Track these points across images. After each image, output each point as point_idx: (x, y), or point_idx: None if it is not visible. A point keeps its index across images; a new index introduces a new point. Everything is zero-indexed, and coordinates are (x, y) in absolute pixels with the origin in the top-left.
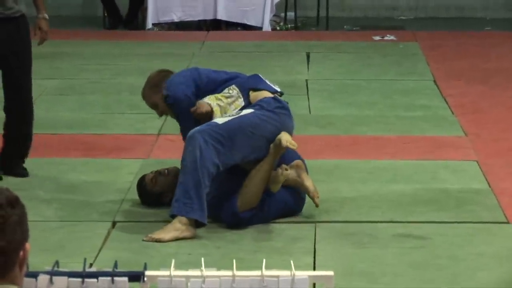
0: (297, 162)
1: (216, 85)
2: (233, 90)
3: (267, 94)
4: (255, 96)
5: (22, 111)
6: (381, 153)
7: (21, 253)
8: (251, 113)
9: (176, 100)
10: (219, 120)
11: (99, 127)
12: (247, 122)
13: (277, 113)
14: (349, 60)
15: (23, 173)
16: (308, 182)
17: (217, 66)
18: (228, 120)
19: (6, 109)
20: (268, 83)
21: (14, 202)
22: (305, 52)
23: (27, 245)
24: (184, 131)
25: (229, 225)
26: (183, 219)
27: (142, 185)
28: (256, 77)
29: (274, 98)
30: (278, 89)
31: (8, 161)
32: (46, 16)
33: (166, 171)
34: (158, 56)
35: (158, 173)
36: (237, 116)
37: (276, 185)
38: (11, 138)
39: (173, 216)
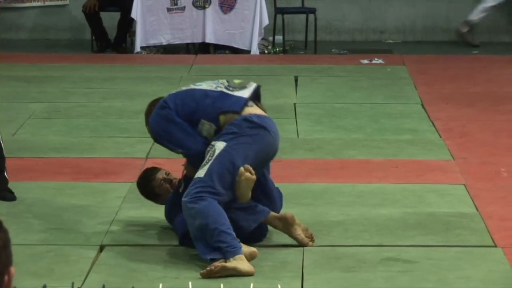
0: (286, 215)
1: (190, 110)
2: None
3: (234, 116)
4: (224, 120)
5: None
6: (369, 177)
7: (6, 277)
8: (224, 148)
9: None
10: (199, 172)
11: (87, 151)
12: (226, 161)
13: (250, 134)
14: (337, 84)
15: (11, 197)
16: (297, 233)
17: None
18: (208, 169)
19: None
20: (236, 95)
21: None
22: (293, 75)
23: (12, 269)
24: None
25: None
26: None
27: (149, 179)
28: (222, 96)
29: (244, 119)
30: (246, 96)
31: None
32: None
33: (175, 181)
34: (146, 80)
35: (169, 180)
36: (213, 159)
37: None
38: None
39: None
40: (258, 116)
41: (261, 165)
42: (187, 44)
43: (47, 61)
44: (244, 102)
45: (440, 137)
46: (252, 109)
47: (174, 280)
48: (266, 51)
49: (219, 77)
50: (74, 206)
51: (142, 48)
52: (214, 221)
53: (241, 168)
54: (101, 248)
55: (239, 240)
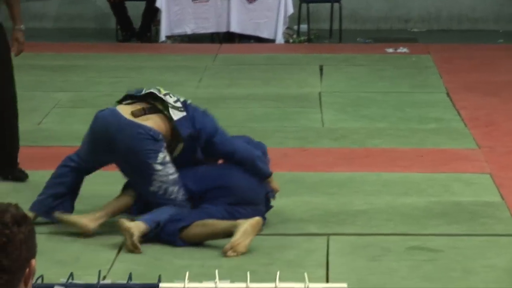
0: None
1: None
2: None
3: None
4: None
5: (3, 113)
6: (394, 166)
7: (27, 270)
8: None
9: None
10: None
11: None
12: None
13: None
14: (362, 73)
15: (21, 177)
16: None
17: (230, 79)
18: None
19: None
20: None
21: (20, 220)
22: (318, 64)
23: (33, 262)
24: None
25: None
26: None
27: None
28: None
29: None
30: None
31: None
32: (23, 27)
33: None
34: (171, 69)
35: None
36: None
37: None
38: None
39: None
40: (106, 109)
41: (95, 147)
42: (212, 33)
43: (72, 50)
44: (121, 99)
45: (466, 126)
46: (121, 105)
47: (200, 268)
48: (291, 40)
49: (243, 66)
50: (99, 194)
51: (167, 37)
52: None
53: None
54: None
55: None
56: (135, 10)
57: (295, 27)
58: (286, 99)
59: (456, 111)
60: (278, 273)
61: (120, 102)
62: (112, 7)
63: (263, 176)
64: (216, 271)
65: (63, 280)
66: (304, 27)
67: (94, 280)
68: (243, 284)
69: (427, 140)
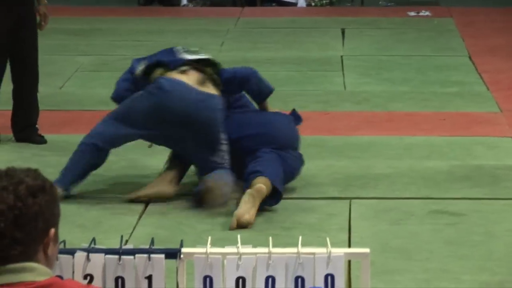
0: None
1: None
2: None
3: (164, 72)
4: (157, 73)
5: (29, 79)
6: (416, 129)
7: (46, 239)
8: (128, 100)
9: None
10: None
11: None
12: (120, 110)
13: (148, 91)
14: (384, 36)
15: (41, 140)
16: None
17: (252, 42)
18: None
19: (13, 79)
20: (181, 56)
21: (36, 191)
22: (340, 28)
23: (52, 231)
24: None
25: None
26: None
27: None
28: (169, 51)
29: (156, 80)
30: (188, 58)
31: (21, 130)
32: (46, 1)
33: None
34: (192, 32)
35: None
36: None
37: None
38: (19, 106)
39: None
40: (168, 79)
41: (159, 122)
42: None
43: (94, 14)
44: (179, 63)
45: (488, 89)
46: (177, 74)
47: (222, 232)
48: (312, 4)
49: (265, 30)
50: (121, 159)
51: (188, 1)
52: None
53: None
54: (148, 201)
55: None
56: None
57: None
58: (308, 62)
59: (478, 75)
60: (300, 238)
61: (151, 68)
62: None
63: (268, 91)
64: (238, 235)
65: (85, 245)
66: None
67: (116, 245)
68: (265, 249)
69: (449, 103)
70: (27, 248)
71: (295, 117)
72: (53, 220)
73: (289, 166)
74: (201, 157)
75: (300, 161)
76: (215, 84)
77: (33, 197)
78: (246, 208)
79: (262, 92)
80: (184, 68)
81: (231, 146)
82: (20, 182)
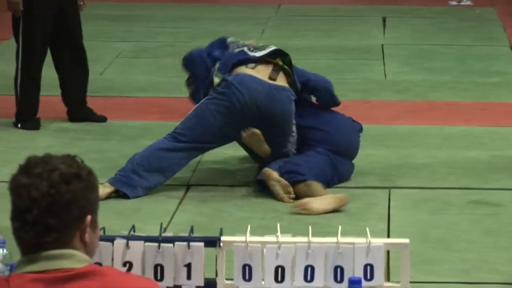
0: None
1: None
2: None
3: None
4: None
5: (79, 62)
6: (457, 119)
7: (83, 226)
8: (202, 102)
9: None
10: None
11: (174, 90)
12: (197, 113)
13: (220, 92)
14: (425, 25)
15: (102, 118)
16: (274, 188)
17: (293, 30)
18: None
19: (59, 61)
20: (252, 54)
21: (70, 178)
22: (381, 16)
23: (88, 218)
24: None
25: None
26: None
27: None
28: (240, 53)
29: (224, 79)
30: (258, 55)
31: (78, 111)
32: None
33: None
34: (232, 20)
35: None
36: (192, 110)
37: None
38: (72, 89)
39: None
40: (238, 75)
41: (240, 119)
42: None
43: (134, 0)
44: (241, 59)
45: None
46: (246, 69)
47: (260, 220)
48: None
49: (306, 18)
50: None
51: None
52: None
53: (243, 133)
54: (188, 187)
55: None
56: None
57: None
58: (348, 51)
59: None
60: (339, 227)
61: (238, 64)
62: None
63: (335, 103)
64: (278, 224)
65: (124, 232)
66: None
67: (155, 232)
68: (305, 238)
69: (490, 93)
70: (62, 234)
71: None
72: (89, 207)
73: (337, 173)
74: (275, 149)
75: (349, 171)
76: (286, 74)
77: (66, 184)
78: (322, 201)
79: (327, 104)
80: (253, 64)
81: (300, 132)
82: (54, 169)
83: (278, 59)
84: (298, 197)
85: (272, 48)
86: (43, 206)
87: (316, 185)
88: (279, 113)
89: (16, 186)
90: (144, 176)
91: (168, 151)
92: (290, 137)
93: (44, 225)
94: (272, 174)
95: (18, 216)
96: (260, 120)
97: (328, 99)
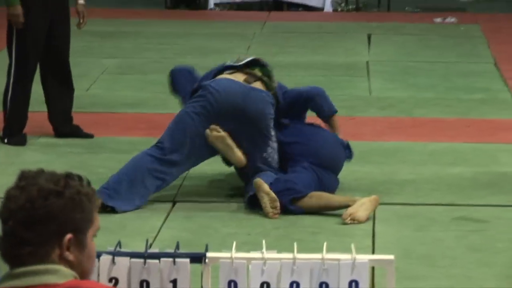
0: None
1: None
2: None
3: None
4: None
5: (65, 80)
6: (441, 136)
7: (62, 243)
8: (181, 110)
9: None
10: None
11: (160, 106)
12: (177, 120)
13: (199, 95)
14: (410, 42)
15: (88, 135)
16: (262, 200)
17: (278, 46)
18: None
19: (45, 78)
20: (231, 64)
21: (48, 194)
22: (366, 33)
23: (68, 236)
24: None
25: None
26: None
27: None
28: (220, 66)
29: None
30: (235, 64)
31: (64, 125)
32: (84, 2)
33: None
34: (219, 36)
35: None
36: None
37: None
38: (58, 104)
39: None
40: (213, 80)
41: (217, 119)
42: (260, 1)
43: (121, 16)
44: (219, 69)
45: None
46: (223, 75)
47: (246, 236)
48: (339, 9)
49: (292, 34)
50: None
51: (215, 4)
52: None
53: (207, 131)
54: (174, 203)
55: None
56: None
57: None
58: (334, 67)
59: (503, 82)
60: (325, 243)
61: (218, 74)
62: None
63: (329, 111)
64: (263, 240)
65: (110, 248)
66: None
67: (141, 248)
68: (290, 255)
69: (474, 110)
70: (37, 249)
71: (349, 150)
72: (71, 226)
73: (323, 186)
74: (255, 153)
75: (335, 186)
76: (265, 85)
77: (44, 199)
78: (362, 206)
79: (321, 111)
80: (230, 71)
81: (281, 148)
82: (33, 184)
83: (257, 69)
84: (307, 211)
85: (251, 58)
86: (18, 219)
87: (326, 194)
88: (254, 112)
89: (5, 198)
90: (128, 187)
91: (151, 161)
92: (270, 141)
93: (19, 237)
94: (263, 185)
95: (1, 227)
96: (236, 120)
97: (324, 105)
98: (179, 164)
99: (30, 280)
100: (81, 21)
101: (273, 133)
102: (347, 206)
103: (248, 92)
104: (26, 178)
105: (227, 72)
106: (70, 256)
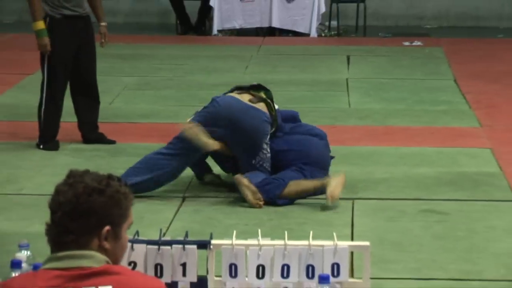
0: (235, 176)
1: None
2: None
3: None
4: None
5: (92, 95)
6: (410, 141)
7: (101, 234)
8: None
9: None
10: None
11: (172, 117)
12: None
13: (204, 107)
14: (383, 62)
15: (111, 141)
16: (244, 193)
17: (272, 66)
18: None
19: (75, 93)
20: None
21: (92, 192)
22: (346, 55)
23: (106, 228)
24: None
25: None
26: None
27: None
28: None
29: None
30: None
31: (92, 134)
32: (106, 24)
33: None
34: (222, 58)
35: None
36: None
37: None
38: (87, 117)
39: None
40: (220, 96)
41: (213, 125)
42: (256, 28)
43: (139, 42)
44: (230, 90)
45: (470, 108)
46: (233, 94)
47: (245, 226)
48: (323, 34)
49: (283, 56)
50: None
51: (218, 31)
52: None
53: (181, 125)
54: (183, 199)
55: None
56: (192, 8)
57: (327, 23)
58: (319, 84)
59: (462, 95)
60: (311, 232)
61: (229, 92)
62: (173, 5)
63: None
64: (259, 229)
65: (130, 237)
66: (334, 23)
67: (156, 236)
68: (282, 242)
69: (438, 119)
70: (79, 238)
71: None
72: (109, 219)
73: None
74: (243, 159)
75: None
76: (267, 106)
77: (88, 195)
78: (336, 185)
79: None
80: (239, 91)
81: (277, 156)
82: (80, 182)
83: (262, 92)
84: (291, 198)
85: (255, 83)
86: (66, 210)
87: (303, 181)
88: (248, 126)
89: (54, 192)
90: (138, 173)
91: (160, 155)
92: (260, 152)
93: (65, 226)
94: (242, 180)
95: (50, 215)
96: (229, 128)
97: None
98: (182, 160)
99: (69, 262)
100: (103, 40)
101: (265, 146)
102: (322, 188)
103: (247, 109)
104: (74, 176)
105: (237, 92)
106: (106, 245)
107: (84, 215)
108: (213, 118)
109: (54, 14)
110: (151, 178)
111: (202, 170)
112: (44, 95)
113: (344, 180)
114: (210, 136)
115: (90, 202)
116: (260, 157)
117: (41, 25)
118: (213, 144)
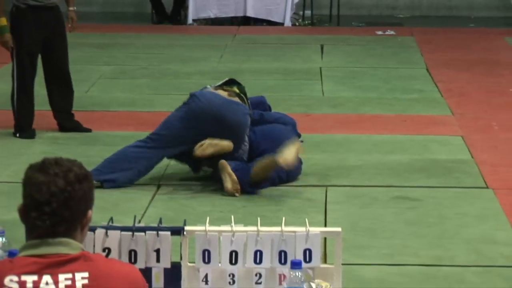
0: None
1: None
2: None
3: None
4: None
5: (65, 83)
6: (382, 129)
7: (85, 219)
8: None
9: None
10: None
11: (148, 106)
12: (165, 121)
13: (185, 102)
14: (356, 51)
15: (87, 129)
16: (224, 180)
17: (246, 55)
18: None
19: (48, 82)
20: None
21: (82, 179)
22: (320, 44)
23: (89, 212)
24: None
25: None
26: None
27: None
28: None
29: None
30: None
31: (67, 122)
32: (75, 8)
33: None
34: (197, 47)
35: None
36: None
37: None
38: (57, 109)
39: None
40: (199, 91)
41: (197, 123)
42: (231, 17)
43: (115, 31)
44: (204, 87)
45: (442, 96)
46: (210, 89)
47: (219, 213)
48: (297, 24)
49: (257, 45)
50: None
51: (193, 20)
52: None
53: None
54: (158, 186)
55: None
56: None
57: (301, 12)
58: (293, 72)
59: (434, 84)
60: (284, 218)
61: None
62: None
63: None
64: (232, 216)
65: (104, 223)
66: (308, 12)
67: (130, 223)
68: (255, 228)
69: (410, 107)
70: (71, 226)
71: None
72: (91, 204)
73: (281, 171)
74: (227, 153)
75: (298, 167)
76: (241, 100)
77: (79, 183)
78: (289, 153)
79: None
80: (214, 86)
81: (251, 148)
82: (69, 170)
83: (235, 87)
84: (261, 180)
85: (227, 79)
86: (61, 200)
87: (260, 161)
88: (232, 121)
89: (36, 183)
90: (114, 168)
91: (136, 148)
92: (242, 145)
93: (60, 216)
94: (227, 167)
95: (36, 207)
96: (214, 125)
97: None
98: (158, 155)
99: (46, 249)
100: (70, 25)
101: (246, 138)
102: (277, 162)
103: (228, 104)
104: (55, 166)
105: (212, 86)
106: (85, 229)
107: (77, 203)
108: (196, 114)
109: (19, 3)
110: (128, 174)
111: (197, 169)
112: (15, 84)
113: (298, 147)
114: (196, 136)
115: (82, 189)
116: (242, 149)
117: (3, 21)
118: (229, 144)
